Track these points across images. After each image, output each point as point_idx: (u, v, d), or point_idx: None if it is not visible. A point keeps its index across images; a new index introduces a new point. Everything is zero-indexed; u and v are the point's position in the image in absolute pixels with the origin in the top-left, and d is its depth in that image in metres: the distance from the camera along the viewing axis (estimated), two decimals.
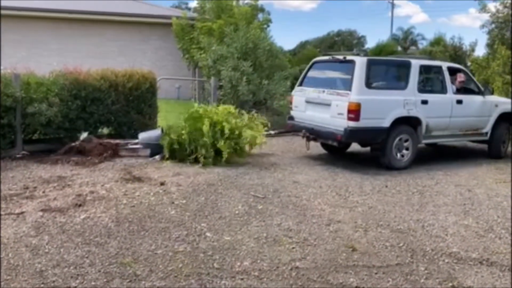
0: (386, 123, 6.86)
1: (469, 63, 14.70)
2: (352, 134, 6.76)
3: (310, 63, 8.05)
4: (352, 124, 6.65)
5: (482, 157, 8.32)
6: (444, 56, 15.62)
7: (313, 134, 7.32)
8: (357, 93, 6.69)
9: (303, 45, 39.58)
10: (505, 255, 3.91)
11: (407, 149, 7.18)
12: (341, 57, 7.35)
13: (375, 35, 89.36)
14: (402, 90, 7.15)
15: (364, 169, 6.96)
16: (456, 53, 15.85)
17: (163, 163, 6.70)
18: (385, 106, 6.90)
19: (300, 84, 7.93)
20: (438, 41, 21.81)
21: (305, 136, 7.47)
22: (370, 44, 45.10)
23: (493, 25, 12.14)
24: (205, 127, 6.56)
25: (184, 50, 15.37)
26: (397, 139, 7.04)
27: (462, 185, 6.27)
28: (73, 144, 7.00)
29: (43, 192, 5.10)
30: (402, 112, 7.01)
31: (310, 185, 5.90)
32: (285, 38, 73.26)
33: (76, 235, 3.92)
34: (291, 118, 7.97)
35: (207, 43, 12.15)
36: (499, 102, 8.48)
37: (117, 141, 7.31)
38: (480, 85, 8.48)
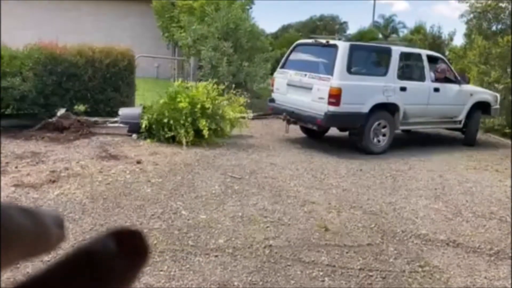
0: (365, 108, 6.93)
1: (447, 52, 14.92)
2: (332, 119, 6.83)
3: (293, 45, 8.01)
4: (332, 108, 6.70)
5: (454, 145, 8.53)
6: (423, 45, 15.81)
7: (293, 117, 7.34)
8: (339, 78, 6.73)
9: (285, 29, 39.32)
10: (471, 237, 4.07)
11: (384, 134, 7.29)
12: (324, 41, 7.35)
13: (357, 22, 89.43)
14: (382, 76, 7.22)
15: (340, 153, 7.05)
16: (435, 42, 16.02)
17: (140, 141, 6.65)
18: (365, 91, 6.95)
19: (282, 67, 7.89)
20: (418, 30, 22.00)
21: (285, 119, 7.49)
22: (352, 30, 45.08)
23: (471, 15, 12.31)
24: (183, 104, 6.43)
25: (164, 29, 15.11)
26: (375, 124, 7.14)
27: (434, 170, 6.43)
28: (50, 120, 6.86)
29: (16, 167, 5.01)
30: (381, 98, 7.09)
31: (286, 167, 5.96)
32: (267, 21, 72.66)
33: None
34: (272, 100, 7.95)
35: (188, 21, 11.97)
36: (474, 91, 8.65)
37: (95, 118, 7.21)
38: (457, 74, 8.63)
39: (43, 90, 7.01)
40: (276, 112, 7.85)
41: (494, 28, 12.00)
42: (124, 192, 4.48)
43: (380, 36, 33.18)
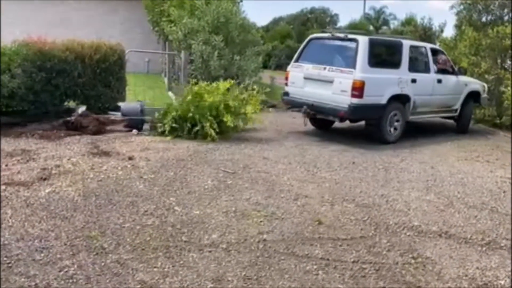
0: (384, 100, 7.19)
1: (437, 44, 14.95)
2: (355, 111, 7.00)
3: (307, 39, 8.14)
4: (355, 101, 6.89)
5: (446, 136, 8.62)
6: (414, 36, 15.82)
7: (312, 110, 7.47)
8: (361, 71, 6.92)
9: (276, 22, 39.19)
10: (463, 228, 4.10)
11: (397, 124, 7.59)
12: (342, 35, 7.53)
13: (348, 14, 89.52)
14: (396, 69, 7.49)
15: (332, 146, 7.07)
16: (426, 34, 16.04)
17: (132, 138, 6.61)
18: (383, 84, 7.22)
19: (297, 60, 7.97)
20: (409, 21, 22.02)
21: (305, 112, 7.55)
22: (343, 22, 45.02)
23: (462, 7, 12.35)
24: (210, 98, 6.69)
25: (154, 23, 14.97)
26: (391, 115, 7.41)
27: (426, 162, 6.47)
28: (68, 118, 6.81)
29: (6, 165, 4.96)
30: (396, 90, 7.37)
31: (279, 161, 5.96)
32: (258, 14, 72.20)
33: (41, 208, 3.85)
34: (286, 94, 8.05)
35: (178, 16, 11.87)
36: (468, 82, 9.10)
37: (113, 117, 7.25)
38: (454, 66, 8.96)
39: (32, 86, 6.92)
40: (293, 105, 7.94)
41: (484, 19, 12.05)
42: (116, 188, 4.45)
43: (371, 28, 33.17)
